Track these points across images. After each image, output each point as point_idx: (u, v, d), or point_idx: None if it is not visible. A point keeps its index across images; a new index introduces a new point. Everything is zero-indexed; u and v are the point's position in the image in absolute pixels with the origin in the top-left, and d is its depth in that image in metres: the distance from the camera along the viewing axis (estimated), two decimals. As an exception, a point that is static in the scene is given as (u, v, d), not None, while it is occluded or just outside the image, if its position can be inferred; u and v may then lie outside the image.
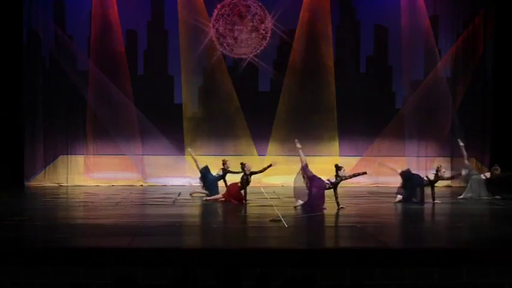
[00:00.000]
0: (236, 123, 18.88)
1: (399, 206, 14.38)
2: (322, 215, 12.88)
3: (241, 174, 14.63)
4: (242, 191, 14.57)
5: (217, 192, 15.36)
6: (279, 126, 18.96)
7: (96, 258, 8.65)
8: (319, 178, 13.52)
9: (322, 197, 13.41)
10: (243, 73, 18.95)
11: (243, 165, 14.66)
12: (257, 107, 18.83)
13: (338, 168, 13.48)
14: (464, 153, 15.86)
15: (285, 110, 18.99)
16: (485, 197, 15.44)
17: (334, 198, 13.37)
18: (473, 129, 19.02)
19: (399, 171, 15.02)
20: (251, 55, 18.95)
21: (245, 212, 13.34)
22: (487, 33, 19.01)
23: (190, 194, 15.99)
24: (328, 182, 13.43)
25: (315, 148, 19.00)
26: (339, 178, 13.39)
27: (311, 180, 13.49)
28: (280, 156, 18.71)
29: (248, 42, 18.94)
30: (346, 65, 19.10)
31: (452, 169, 18.86)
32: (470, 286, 8.55)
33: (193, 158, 16.30)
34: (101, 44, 18.64)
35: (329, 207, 13.65)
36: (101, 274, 8.45)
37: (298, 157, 17.97)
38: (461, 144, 15.94)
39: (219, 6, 18.88)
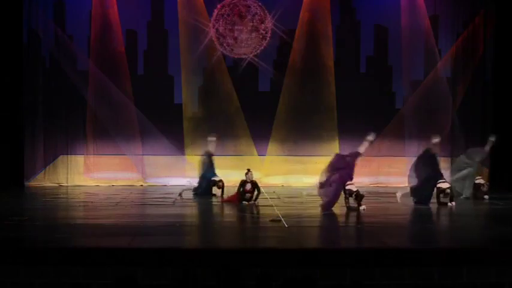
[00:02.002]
0: (236, 123, 18.87)
1: (399, 206, 14.39)
2: (322, 215, 12.93)
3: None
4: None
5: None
6: (279, 126, 18.95)
7: (96, 258, 8.66)
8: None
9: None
10: (243, 73, 18.94)
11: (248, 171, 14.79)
12: (257, 107, 18.81)
13: None
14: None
15: (285, 110, 18.97)
16: (465, 196, 15.46)
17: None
18: (473, 129, 19.00)
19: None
20: (251, 55, 18.94)
21: (243, 211, 13.37)
22: (487, 33, 18.99)
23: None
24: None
25: (315, 148, 19.01)
26: None
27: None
28: (281, 156, 18.75)
29: (248, 42, 18.94)
30: (346, 65, 19.08)
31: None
32: (470, 286, 8.56)
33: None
34: (101, 44, 18.62)
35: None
36: (101, 274, 8.46)
37: (298, 157, 18.14)
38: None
39: (219, 6, 18.87)
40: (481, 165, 16.39)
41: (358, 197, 13.40)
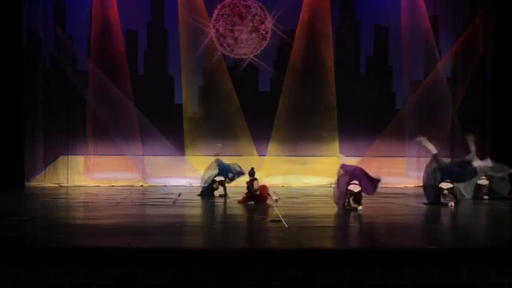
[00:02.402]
0: (236, 123, 18.88)
1: (399, 206, 14.37)
2: (325, 215, 12.95)
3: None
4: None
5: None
6: (279, 127, 18.96)
7: (96, 259, 8.64)
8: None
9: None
10: (243, 73, 18.95)
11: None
12: (257, 107, 18.83)
13: None
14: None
15: (285, 110, 18.99)
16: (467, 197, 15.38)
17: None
18: (473, 129, 18.96)
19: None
20: (251, 55, 18.95)
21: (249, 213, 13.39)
22: (487, 33, 19.01)
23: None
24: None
25: (315, 148, 19.03)
26: None
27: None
28: (281, 157, 18.73)
29: (248, 43, 18.94)
30: (346, 65, 19.09)
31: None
32: (470, 286, 8.55)
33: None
34: (101, 44, 18.63)
35: (328, 207, 13.69)
36: (101, 274, 8.45)
37: (298, 157, 18.08)
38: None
39: (219, 6, 18.88)
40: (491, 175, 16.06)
41: (357, 197, 13.41)
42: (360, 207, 13.37)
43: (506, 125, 18.37)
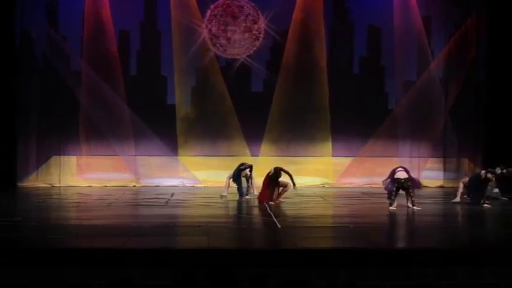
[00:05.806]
0: (229, 123, 18.86)
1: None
2: (318, 215, 12.98)
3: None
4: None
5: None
6: (272, 127, 18.95)
7: (89, 259, 8.62)
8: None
9: None
10: (236, 73, 18.92)
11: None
12: (250, 107, 18.80)
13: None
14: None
15: (278, 111, 18.98)
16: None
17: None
18: (466, 130, 19.06)
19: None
20: (244, 55, 18.93)
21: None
22: (480, 34, 19.04)
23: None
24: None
25: (308, 148, 19.04)
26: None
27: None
28: (274, 157, 18.69)
29: (241, 43, 18.93)
30: (339, 65, 19.09)
31: (445, 170, 19.10)
32: (467, 286, 8.55)
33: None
34: (93, 44, 18.57)
35: (321, 207, 13.68)
36: (94, 275, 8.42)
37: (291, 158, 18.07)
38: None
39: (212, 6, 18.86)
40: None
41: (405, 184, 13.39)
42: (416, 207, 13.42)
43: (498, 125, 18.39)
